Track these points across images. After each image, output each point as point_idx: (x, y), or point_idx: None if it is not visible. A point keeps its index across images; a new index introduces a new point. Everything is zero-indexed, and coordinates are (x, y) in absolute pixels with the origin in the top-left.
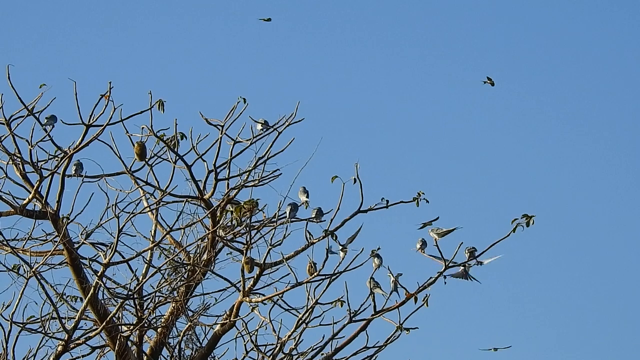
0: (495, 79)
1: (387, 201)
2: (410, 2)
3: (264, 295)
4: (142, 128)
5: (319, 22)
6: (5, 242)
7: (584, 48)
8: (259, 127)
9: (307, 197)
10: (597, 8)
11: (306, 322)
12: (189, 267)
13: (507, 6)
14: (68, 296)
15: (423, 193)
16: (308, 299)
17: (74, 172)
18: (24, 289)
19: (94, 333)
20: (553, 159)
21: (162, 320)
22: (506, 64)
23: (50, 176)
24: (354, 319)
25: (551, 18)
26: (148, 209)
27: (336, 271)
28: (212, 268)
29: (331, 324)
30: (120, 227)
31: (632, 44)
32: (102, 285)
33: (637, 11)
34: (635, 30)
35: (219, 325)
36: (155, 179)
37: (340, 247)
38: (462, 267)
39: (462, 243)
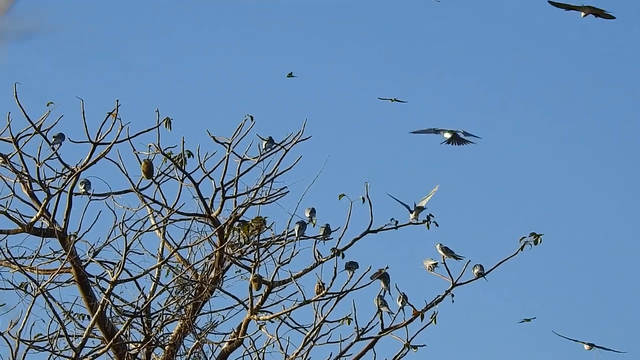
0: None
1: (397, 222)
2: (413, 11)
3: (271, 313)
4: (150, 146)
5: (319, 28)
6: (12, 260)
7: (593, 58)
8: (264, 144)
9: (314, 215)
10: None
11: (314, 340)
12: (196, 284)
13: (508, 15)
14: (75, 314)
15: (432, 216)
16: (316, 316)
17: (81, 190)
18: (32, 307)
19: (101, 351)
20: (558, 171)
21: (170, 338)
22: (512, 72)
23: (57, 194)
24: (361, 336)
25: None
26: (155, 226)
27: (344, 289)
28: (219, 286)
29: (339, 342)
30: (128, 245)
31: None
32: (110, 303)
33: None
34: None
35: (227, 343)
36: (163, 196)
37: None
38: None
39: (469, 261)
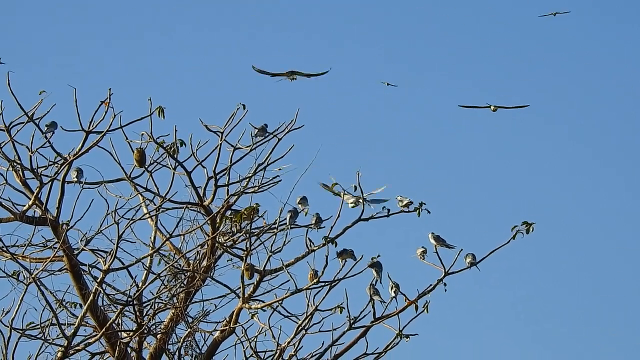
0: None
1: (389, 210)
2: (413, 11)
3: (263, 301)
4: (142, 134)
5: (319, 28)
6: (5, 249)
7: (585, 53)
8: (257, 133)
9: (306, 204)
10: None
11: (306, 328)
12: (188, 273)
13: (508, 15)
14: (68, 302)
15: (425, 203)
16: (308, 305)
17: (74, 178)
18: (24, 295)
19: (93, 339)
20: (551, 163)
21: (162, 326)
22: (506, 71)
23: (50, 182)
24: (353, 325)
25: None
26: (148, 215)
27: (336, 278)
28: (211, 274)
29: (331, 331)
30: (120, 233)
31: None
32: (102, 291)
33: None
34: None
35: (219, 331)
36: (155, 185)
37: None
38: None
39: (461, 250)
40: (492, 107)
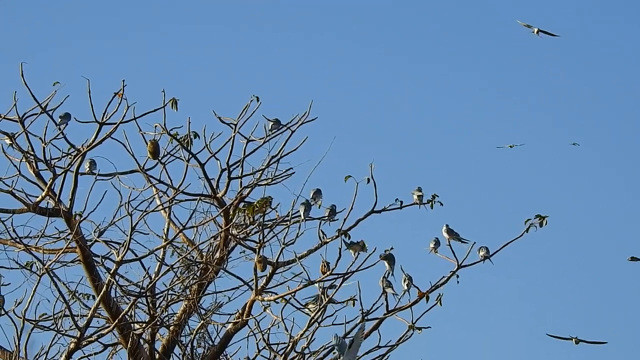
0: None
1: (401, 202)
2: (425, 4)
3: (276, 294)
4: (155, 126)
5: (333, 21)
6: (18, 240)
7: (594, 48)
8: (270, 125)
9: (320, 196)
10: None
11: (318, 321)
12: (201, 265)
13: (509, 14)
14: (80, 294)
15: (437, 196)
16: (321, 297)
17: (87, 169)
18: (37, 286)
19: (106, 331)
20: (562, 158)
21: (175, 318)
22: (515, 65)
23: (63, 174)
24: (366, 318)
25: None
26: (161, 207)
27: (349, 270)
28: (224, 266)
29: (343, 323)
30: (133, 225)
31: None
32: (115, 283)
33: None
34: None
35: (232, 323)
36: (169, 177)
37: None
38: None
39: (474, 243)
40: (574, 340)
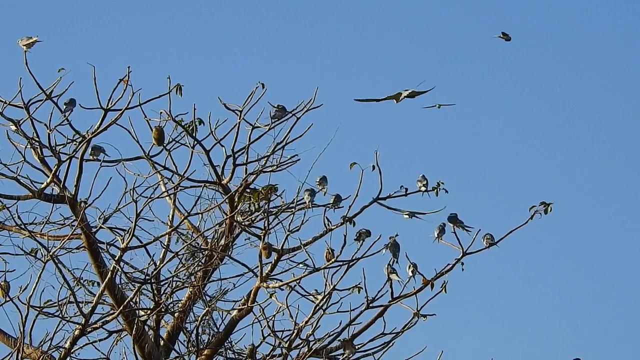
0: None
1: (406, 189)
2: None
3: (281, 281)
4: (161, 113)
5: (340, 7)
6: (23, 226)
7: (606, 39)
8: (275, 112)
9: (325, 183)
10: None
11: (323, 308)
12: (206, 252)
13: (513, 12)
14: (85, 280)
15: (443, 183)
16: (325, 285)
17: (92, 156)
18: (42, 272)
19: (111, 317)
20: (568, 147)
21: (180, 305)
22: (524, 52)
23: (68, 160)
24: (371, 305)
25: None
26: (166, 193)
27: (354, 257)
28: (229, 253)
29: (348, 311)
30: (138, 211)
31: None
32: (120, 269)
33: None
34: None
35: (236, 310)
36: (174, 163)
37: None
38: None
39: (479, 230)
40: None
